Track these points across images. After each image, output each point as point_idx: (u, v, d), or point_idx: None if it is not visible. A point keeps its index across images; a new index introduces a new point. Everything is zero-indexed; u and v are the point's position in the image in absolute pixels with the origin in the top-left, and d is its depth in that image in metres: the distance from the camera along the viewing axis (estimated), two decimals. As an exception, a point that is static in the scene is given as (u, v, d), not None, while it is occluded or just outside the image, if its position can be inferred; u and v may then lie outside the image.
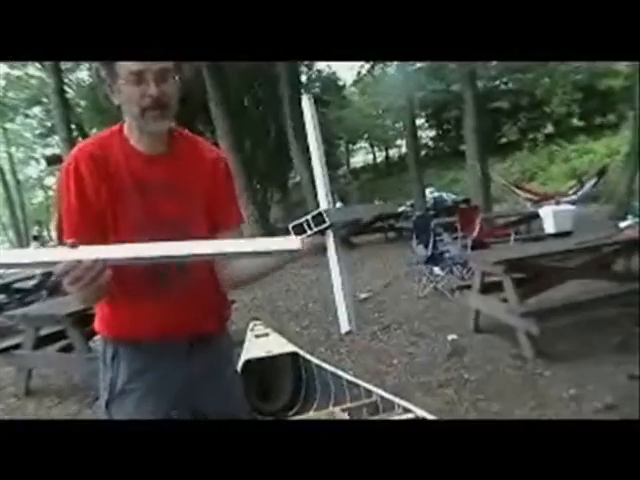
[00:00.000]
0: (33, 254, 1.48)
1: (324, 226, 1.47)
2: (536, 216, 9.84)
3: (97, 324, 1.83)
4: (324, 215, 1.46)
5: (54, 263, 1.35)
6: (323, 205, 1.55)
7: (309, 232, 1.49)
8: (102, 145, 1.71)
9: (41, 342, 5.45)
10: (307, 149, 9.78)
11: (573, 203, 10.51)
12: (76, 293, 1.47)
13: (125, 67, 1.59)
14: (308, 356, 4.18)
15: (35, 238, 19.10)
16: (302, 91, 16.15)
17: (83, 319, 4.88)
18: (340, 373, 3.92)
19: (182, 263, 1.67)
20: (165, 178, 1.72)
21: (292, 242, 1.43)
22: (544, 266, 5.57)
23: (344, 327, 1.52)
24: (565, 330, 4.99)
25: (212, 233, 1.79)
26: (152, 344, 1.75)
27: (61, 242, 1.58)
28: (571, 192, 14.07)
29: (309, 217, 1.47)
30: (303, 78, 21.51)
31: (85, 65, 21.77)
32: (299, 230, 1.50)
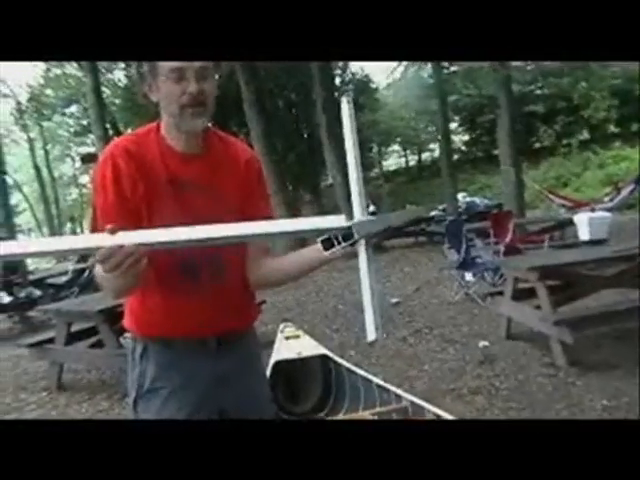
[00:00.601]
0: (73, 240, 1.47)
1: (352, 241, 1.47)
2: (570, 223, 9.72)
3: (126, 321, 1.84)
4: (353, 229, 1.45)
5: (95, 249, 1.35)
6: (356, 209, 1.54)
7: (337, 247, 1.49)
8: (138, 141, 1.73)
9: (73, 337, 5.53)
10: (340, 151, 9.76)
11: (609, 210, 10.33)
12: (113, 281, 1.47)
13: (166, 64, 1.60)
14: (338, 359, 4.17)
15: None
16: (336, 94, 16.17)
17: (114, 316, 4.95)
18: (370, 377, 3.90)
19: (212, 260, 1.70)
20: (199, 176, 1.73)
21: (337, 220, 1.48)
22: (578, 274, 5.49)
23: (370, 336, 1.50)
24: (599, 339, 4.92)
25: None
26: (181, 342, 1.77)
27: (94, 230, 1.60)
28: (607, 199, 13.85)
29: (338, 231, 1.46)
30: (337, 81, 21.50)
31: (121, 65, 22.11)
32: (328, 245, 1.49)
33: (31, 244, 1.38)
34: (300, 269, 1.74)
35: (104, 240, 1.35)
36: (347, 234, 1.47)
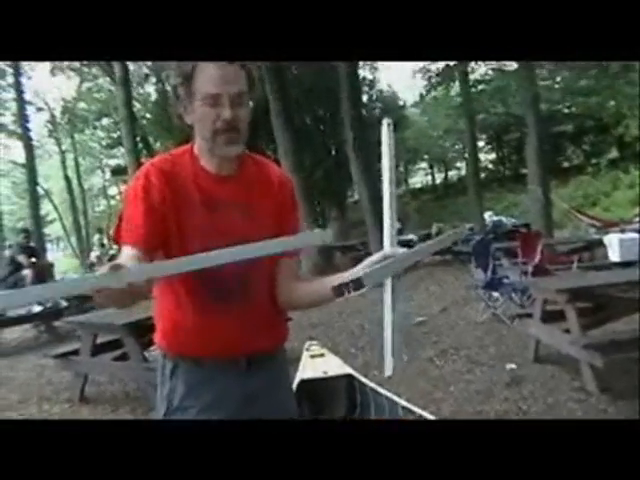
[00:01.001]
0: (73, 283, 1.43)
1: (362, 290, 1.47)
2: (600, 243, 9.59)
3: (157, 338, 1.84)
4: (362, 280, 1.46)
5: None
6: (386, 241, 1.57)
7: (347, 295, 1.49)
8: (173, 162, 1.75)
9: (98, 349, 5.56)
10: (367, 168, 9.77)
11: (639, 231, 10.19)
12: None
13: (203, 88, 1.62)
14: (363, 379, 4.13)
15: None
16: (363, 111, 16.21)
17: (139, 329, 4.96)
18: (396, 399, 3.85)
19: (243, 280, 1.71)
20: (232, 196, 1.74)
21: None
22: (609, 296, 5.40)
23: (387, 372, 1.50)
24: (631, 365, 4.82)
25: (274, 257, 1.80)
26: (211, 361, 1.77)
27: (117, 243, 1.69)
28: (637, 219, 13.68)
29: (349, 280, 1.47)
30: (364, 98, 21.57)
31: (152, 80, 22.41)
32: (339, 292, 1.49)
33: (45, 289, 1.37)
34: (325, 295, 1.71)
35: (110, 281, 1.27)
36: (358, 283, 1.47)
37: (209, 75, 1.62)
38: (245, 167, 1.81)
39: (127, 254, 1.62)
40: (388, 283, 1.53)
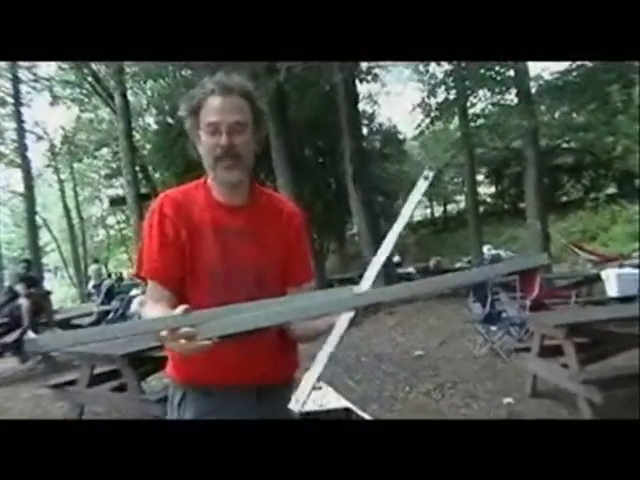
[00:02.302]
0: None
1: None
2: (598, 278, 9.58)
3: (168, 368, 1.89)
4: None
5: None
6: (365, 281, 1.60)
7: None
8: (187, 193, 1.84)
9: (95, 380, 5.52)
10: (366, 201, 9.79)
11: (638, 266, 10.18)
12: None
13: (205, 118, 1.72)
14: (361, 412, 4.10)
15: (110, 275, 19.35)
16: (363, 143, 16.30)
17: (138, 360, 4.94)
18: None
19: None
20: (243, 225, 1.80)
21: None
22: (607, 332, 5.40)
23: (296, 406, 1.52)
24: (630, 400, 4.79)
25: (284, 285, 1.86)
26: (220, 390, 1.79)
27: (138, 276, 1.79)
28: (635, 254, 13.68)
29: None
30: (364, 130, 21.69)
31: (153, 110, 22.55)
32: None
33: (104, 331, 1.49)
34: (323, 329, 1.72)
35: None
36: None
37: (211, 106, 1.71)
38: (256, 198, 1.87)
39: (152, 288, 1.78)
40: (346, 317, 1.55)
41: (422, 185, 1.61)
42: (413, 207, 1.62)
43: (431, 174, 1.65)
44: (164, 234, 1.76)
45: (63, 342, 1.47)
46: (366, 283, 1.57)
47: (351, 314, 1.54)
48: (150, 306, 1.75)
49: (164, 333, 1.40)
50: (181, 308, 1.40)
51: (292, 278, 1.88)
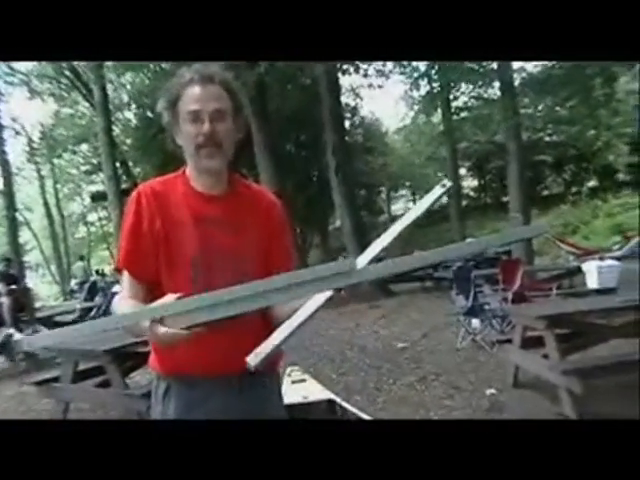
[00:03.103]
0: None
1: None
2: (579, 271, 9.67)
3: (151, 360, 1.89)
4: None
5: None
6: (365, 255, 1.57)
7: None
8: (165, 183, 1.85)
9: (79, 376, 5.48)
10: (349, 195, 9.76)
11: (618, 259, 10.28)
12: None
13: (185, 107, 1.72)
14: (344, 404, 4.12)
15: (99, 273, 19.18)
16: (346, 137, 16.30)
17: (121, 356, 4.92)
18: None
19: None
20: (221, 214, 1.80)
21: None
22: (587, 323, 5.45)
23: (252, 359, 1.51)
24: (610, 390, 4.84)
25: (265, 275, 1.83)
26: (203, 381, 1.79)
27: (117, 270, 1.81)
28: (615, 248, 13.82)
29: None
30: (347, 124, 21.71)
31: (133, 105, 22.40)
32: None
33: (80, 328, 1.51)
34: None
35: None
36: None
37: (191, 94, 1.72)
38: (234, 188, 1.87)
39: (125, 279, 1.80)
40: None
41: (437, 192, 1.62)
42: (424, 208, 1.62)
43: (449, 184, 1.66)
44: (137, 225, 1.76)
45: (50, 340, 1.50)
46: (363, 260, 1.56)
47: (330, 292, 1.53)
48: (121, 302, 1.81)
49: (146, 324, 1.43)
50: (173, 296, 1.45)
51: (273, 268, 1.84)
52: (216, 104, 1.72)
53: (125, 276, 1.80)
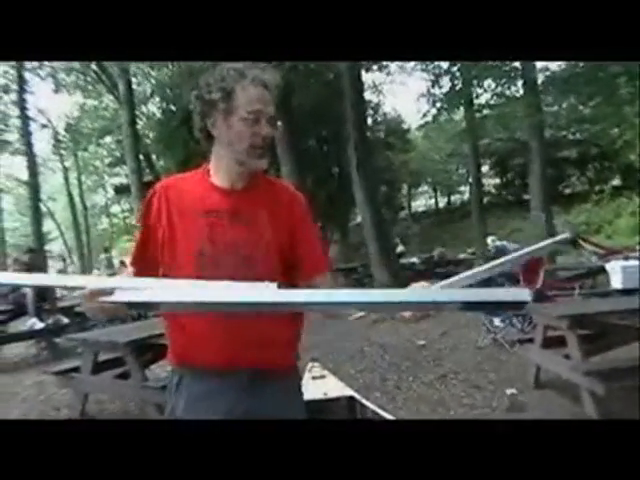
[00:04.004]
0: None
1: None
2: (602, 270, 9.57)
3: (168, 353, 1.91)
4: None
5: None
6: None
7: None
8: (184, 178, 1.89)
9: (99, 367, 5.53)
10: (370, 191, 9.69)
11: (641, 259, 10.16)
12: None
13: (247, 106, 1.72)
14: (364, 401, 4.11)
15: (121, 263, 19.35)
16: (367, 133, 16.25)
17: (141, 348, 4.95)
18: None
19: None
20: (232, 206, 1.80)
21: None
22: (610, 324, 5.39)
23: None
24: (633, 393, 4.79)
25: (294, 276, 1.85)
26: (212, 376, 1.78)
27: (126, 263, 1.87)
28: (638, 247, 13.65)
29: None
30: (369, 120, 21.64)
31: (156, 98, 22.50)
32: None
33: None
34: None
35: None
36: None
37: (251, 94, 1.73)
38: (255, 183, 1.86)
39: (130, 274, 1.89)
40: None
41: (557, 238, 1.65)
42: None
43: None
44: (145, 224, 1.84)
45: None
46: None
47: None
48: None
49: (85, 292, 1.54)
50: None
51: (311, 269, 1.87)
52: (272, 107, 1.76)
53: (131, 270, 1.92)
